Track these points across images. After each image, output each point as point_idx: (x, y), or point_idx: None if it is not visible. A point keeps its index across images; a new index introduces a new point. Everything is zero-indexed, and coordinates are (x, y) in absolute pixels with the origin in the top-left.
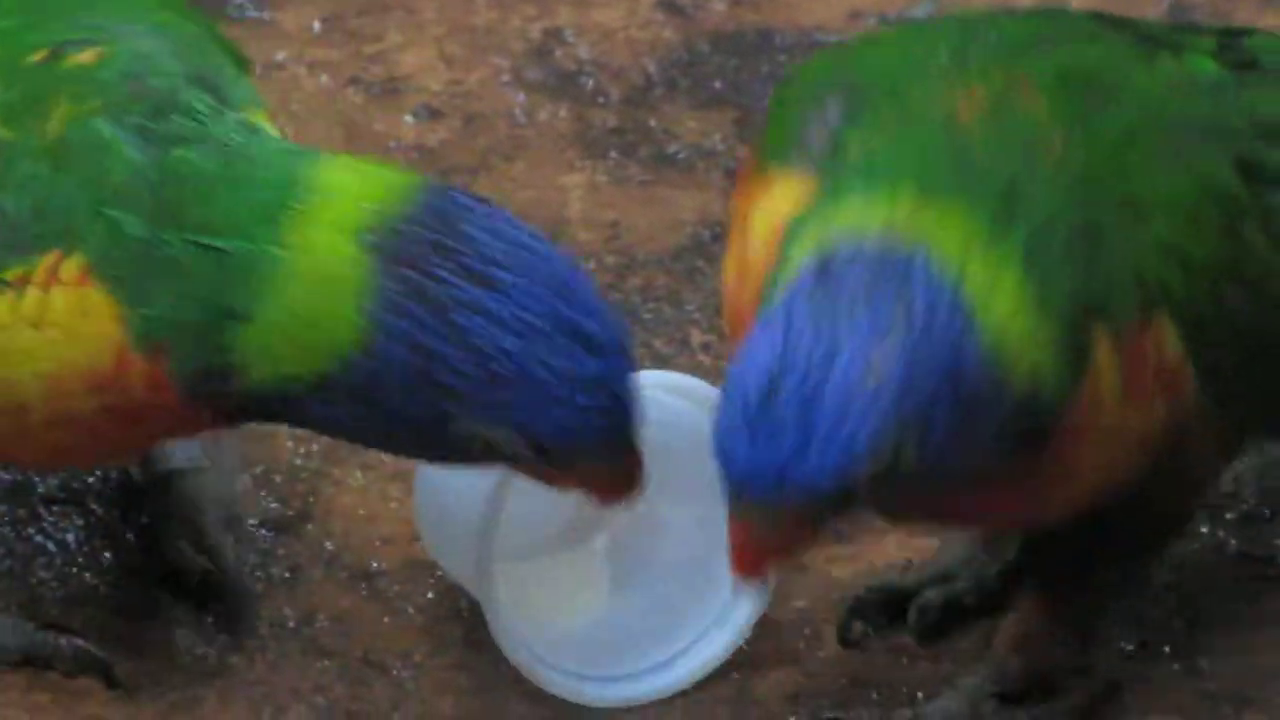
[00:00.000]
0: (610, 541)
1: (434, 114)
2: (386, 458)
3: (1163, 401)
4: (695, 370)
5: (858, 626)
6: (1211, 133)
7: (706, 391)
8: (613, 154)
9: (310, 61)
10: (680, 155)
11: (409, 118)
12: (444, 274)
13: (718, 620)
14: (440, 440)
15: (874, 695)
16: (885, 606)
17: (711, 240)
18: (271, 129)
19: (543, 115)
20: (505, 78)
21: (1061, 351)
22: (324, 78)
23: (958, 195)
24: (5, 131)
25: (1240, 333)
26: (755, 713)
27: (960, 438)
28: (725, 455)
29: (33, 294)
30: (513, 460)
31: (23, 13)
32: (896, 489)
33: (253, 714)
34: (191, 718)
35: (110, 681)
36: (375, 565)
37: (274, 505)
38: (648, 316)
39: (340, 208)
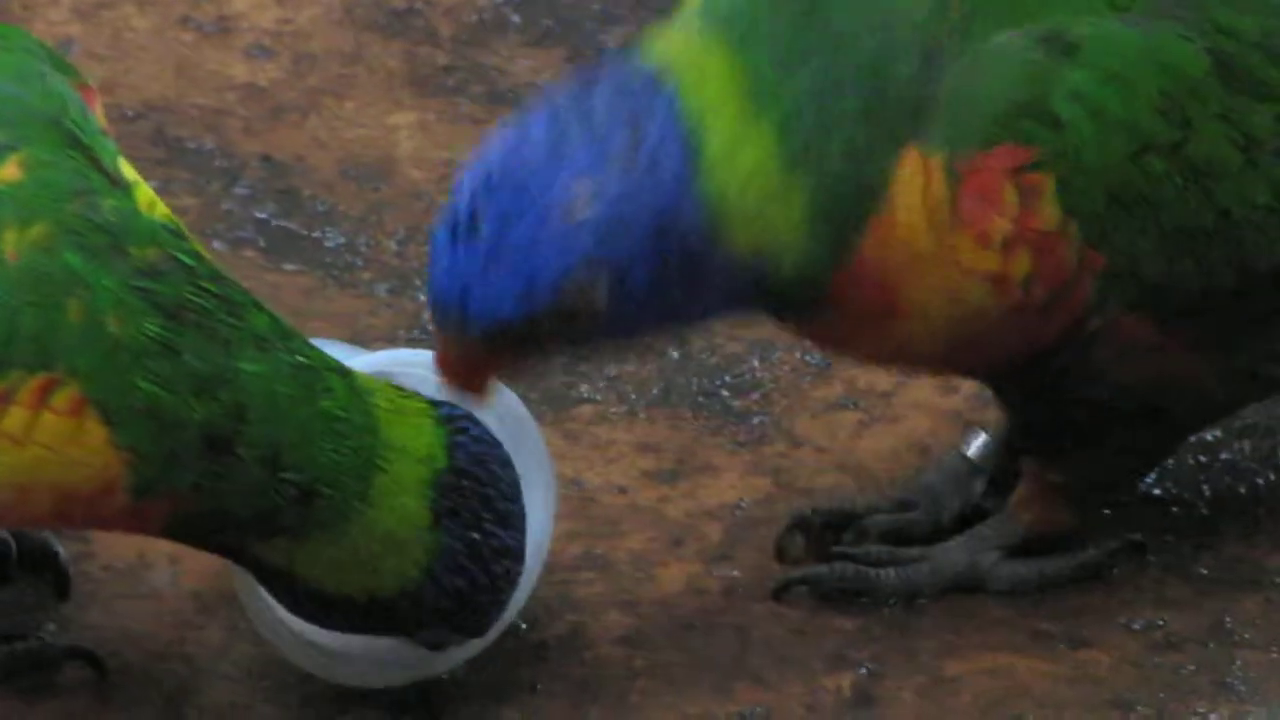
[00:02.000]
0: None
1: (265, 53)
2: None
3: (1027, 256)
4: None
5: (799, 542)
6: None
7: None
8: (444, 92)
9: (141, 0)
10: (512, 93)
11: (240, 56)
12: (490, 526)
13: None
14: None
15: (707, 637)
16: (831, 526)
17: None
18: (137, 177)
19: (374, 54)
20: (336, 16)
21: (821, 206)
22: (155, 17)
23: (748, 42)
24: None
25: (1164, 221)
26: (588, 655)
27: (665, 289)
28: (430, 263)
29: (17, 412)
30: None
31: None
32: (595, 331)
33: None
34: None
35: (98, 666)
36: None
37: None
38: None
39: (411, 470)
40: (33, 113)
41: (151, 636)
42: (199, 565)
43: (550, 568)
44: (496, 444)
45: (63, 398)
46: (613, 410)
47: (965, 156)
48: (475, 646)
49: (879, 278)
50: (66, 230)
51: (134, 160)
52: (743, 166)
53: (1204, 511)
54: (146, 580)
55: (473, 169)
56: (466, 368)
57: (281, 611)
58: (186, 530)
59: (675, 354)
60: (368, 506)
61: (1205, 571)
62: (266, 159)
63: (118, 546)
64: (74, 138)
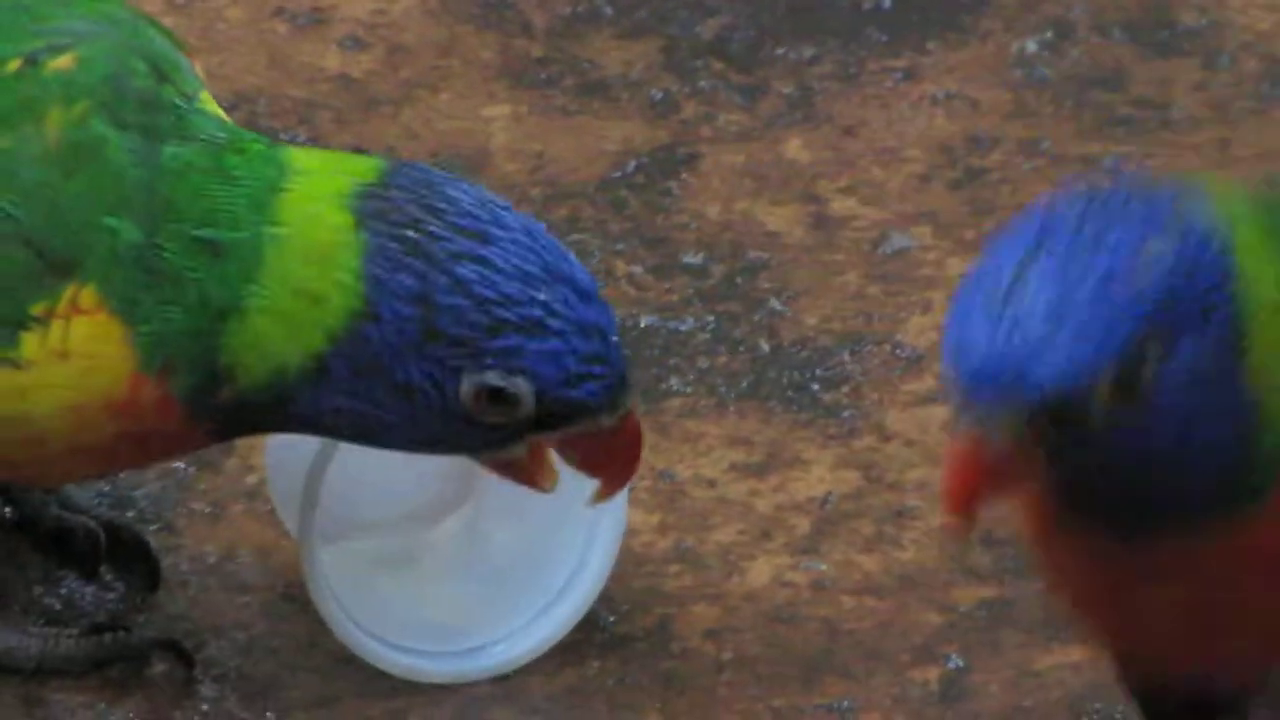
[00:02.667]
0: (450, 527)
1: (359, 44)
2: None
3: None
4: (620, 301)
5: None
6: None
7: None
8: (538, 85)
9: None
10: (605, 85)
11: (334, 48)
12: (436, 229)
13: (558, 596)
14: (444, 412)
15: (795, 630)
16: None
17: (636, 170)
18: (223, 116)
19: (468, 46)
20: (430, 7)
21: None
22: (248, 8)
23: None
24: (2, 140)
25: None
26: (675, 647)
27: (1195, 383)
28: (960, 348)
29: (57, 326)
30: (511, 436)
31: None
32: (1127, 424)
33: None
34: None
35: (186, 658)
36: None
37: None
38: (573, 248)
39: (323, 183)
40: (113, 38)
41: (239, 629)
42: (287, 559)
43: (638, 560)
44: (463, 181)
45: (87, 295)
46: (703, 403)
47: None
48: (542, 642)
49: None
50: (101, 104)
51: None
52: (1261, 287)
53: None
54: (235, 573)
55: (995, 252)
56: (999, 457)
57: (344, 607)
58: (198, 403)
59: (766, 347)
60: (273, 227)
61: None
62: (359, 151)
63: (207, 540)
64: (148, 56)
